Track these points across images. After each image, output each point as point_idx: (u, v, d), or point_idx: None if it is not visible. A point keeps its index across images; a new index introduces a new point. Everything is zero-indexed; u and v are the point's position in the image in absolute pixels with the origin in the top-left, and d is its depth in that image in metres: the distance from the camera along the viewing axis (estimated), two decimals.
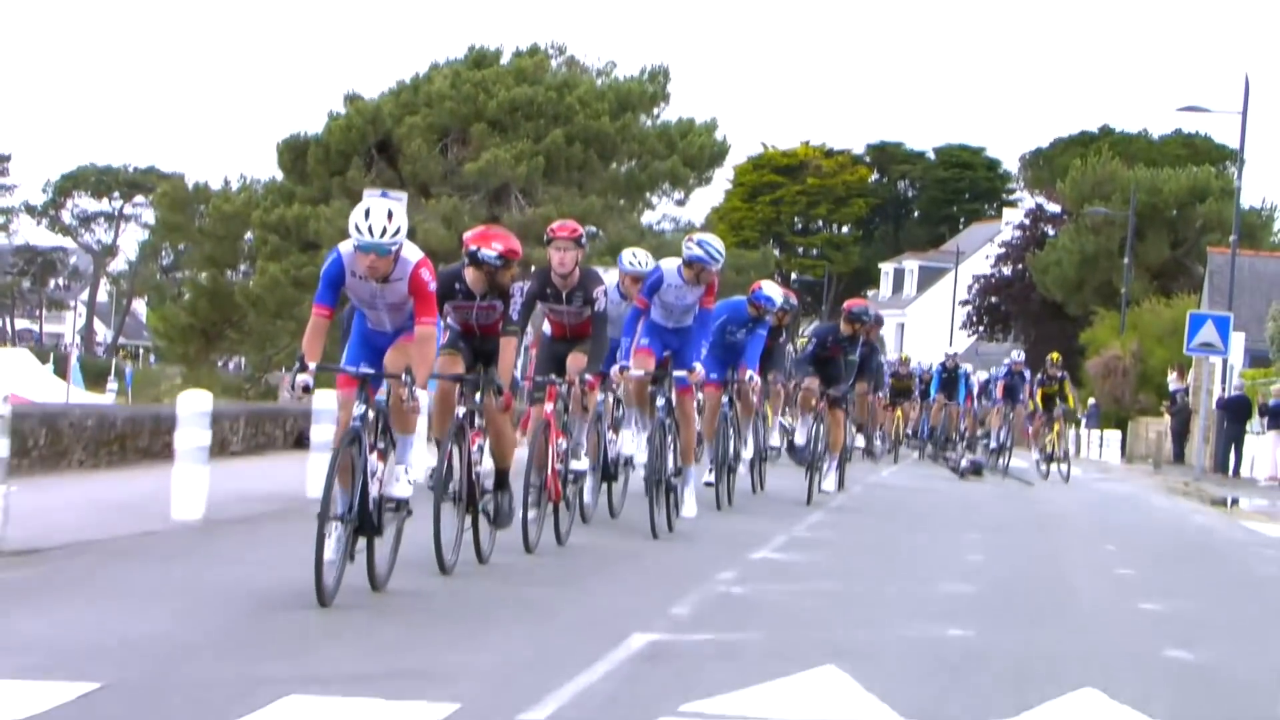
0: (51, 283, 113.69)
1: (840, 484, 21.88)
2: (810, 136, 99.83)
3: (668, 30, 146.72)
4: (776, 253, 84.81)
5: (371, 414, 10.49)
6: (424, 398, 11.12)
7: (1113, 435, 54.79)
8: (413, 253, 10.58)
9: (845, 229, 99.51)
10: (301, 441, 24.70)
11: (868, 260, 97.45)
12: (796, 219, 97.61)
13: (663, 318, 16.32)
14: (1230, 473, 39.64)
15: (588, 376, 13.91)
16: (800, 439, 21.45)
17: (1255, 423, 40.09)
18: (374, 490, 10.43)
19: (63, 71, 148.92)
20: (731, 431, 19.04)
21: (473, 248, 12.01)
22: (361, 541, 10.49)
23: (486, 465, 12.29)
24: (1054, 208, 78.78)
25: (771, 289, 19.57)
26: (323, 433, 16.39)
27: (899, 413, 37.40)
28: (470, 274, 12.08)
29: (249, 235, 56.28)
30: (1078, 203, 70.94)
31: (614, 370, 15.47)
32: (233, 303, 55.88)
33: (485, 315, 12.20)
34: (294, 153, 55.37)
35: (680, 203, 58.42)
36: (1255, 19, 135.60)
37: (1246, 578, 16.67)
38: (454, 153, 54.58)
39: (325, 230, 50.61)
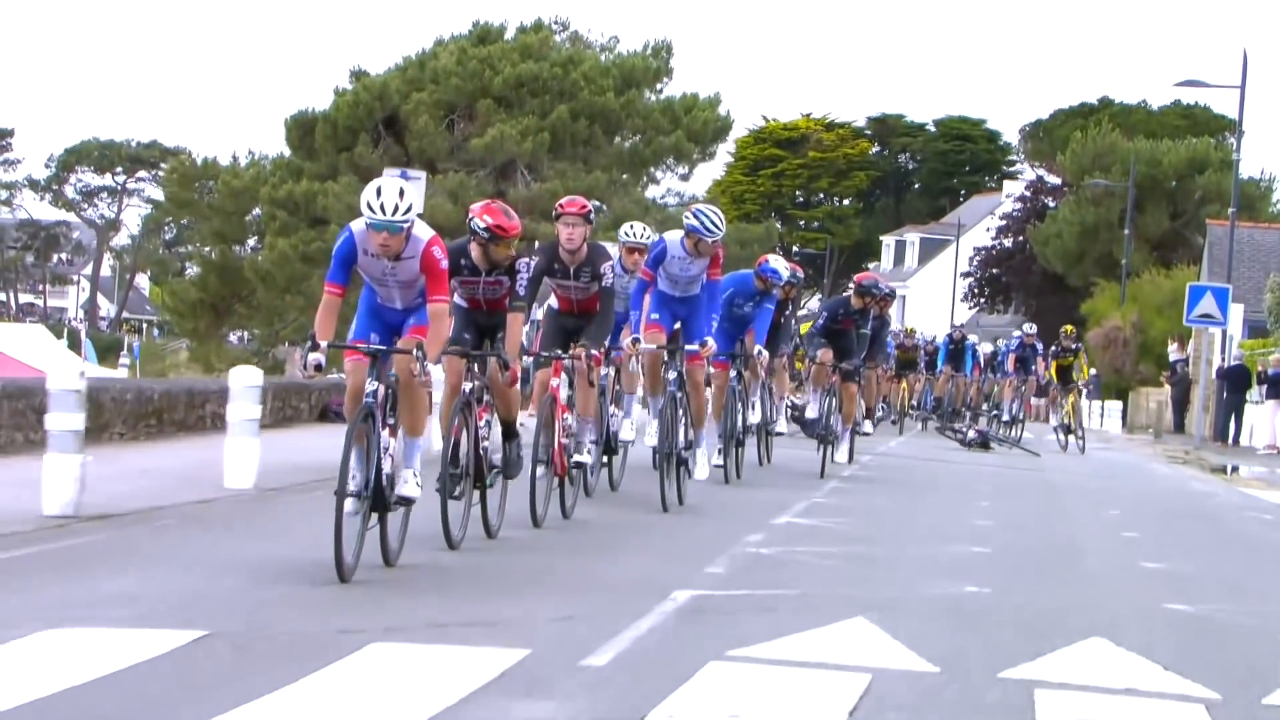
0: (55, 257, 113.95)
1: (850, 456, 22.23)
2: (811, 109, 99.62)
3: (669, 4, 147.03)
4: (779, 226, 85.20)
5: (383, 390, 10.53)
6: (435, 372, 11.19)
7: (1114, 405, 55.29)
8: (424, 231, 10.61)
9: (846, 202, 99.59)
10: (325, 415, 25.51)
11: (869, 233, 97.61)
12: (798, 192, 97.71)
13: (670, 287, 16.53)
14: (1230, 441, 40.08)
15: (593, 351, 13.82)
16: (812, 413, 21.47)
17: (1254, 392, 40.65)
18: (386, 466, 10.53)
19: (66, 46, 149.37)
20: (739, 405, 19.01)
21: (470, 216, 12.08)
22: (374, 518, 10.53)
23: (495, 439, 12.30)
24: (1054, 180, 79.15)
25: (778, 263, 19.79)
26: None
27: (904, 384, 37.79)
28: (475, 249, 12.06)
29: (257, 210, 56.73)
30: (1078, 175, 71.28)
31: (626, 342, 15.48)
32: (241, 278, 56.31)
33: (492, 290, 12.19)
34: (302, 129, 55.80)
35: (684, 177, 58.79)
36: None
37: (1244, 540, 17.43)
38: (460, 128, 55.01)
39: (333, 206, 51.08)
